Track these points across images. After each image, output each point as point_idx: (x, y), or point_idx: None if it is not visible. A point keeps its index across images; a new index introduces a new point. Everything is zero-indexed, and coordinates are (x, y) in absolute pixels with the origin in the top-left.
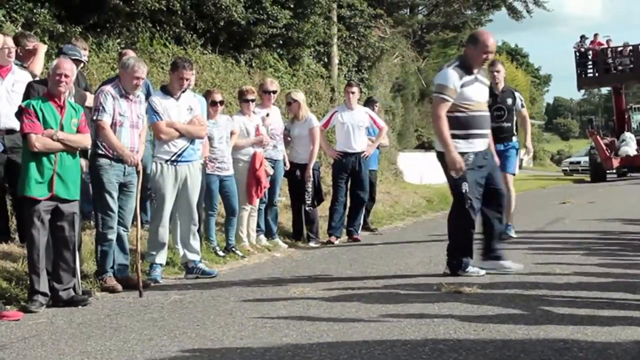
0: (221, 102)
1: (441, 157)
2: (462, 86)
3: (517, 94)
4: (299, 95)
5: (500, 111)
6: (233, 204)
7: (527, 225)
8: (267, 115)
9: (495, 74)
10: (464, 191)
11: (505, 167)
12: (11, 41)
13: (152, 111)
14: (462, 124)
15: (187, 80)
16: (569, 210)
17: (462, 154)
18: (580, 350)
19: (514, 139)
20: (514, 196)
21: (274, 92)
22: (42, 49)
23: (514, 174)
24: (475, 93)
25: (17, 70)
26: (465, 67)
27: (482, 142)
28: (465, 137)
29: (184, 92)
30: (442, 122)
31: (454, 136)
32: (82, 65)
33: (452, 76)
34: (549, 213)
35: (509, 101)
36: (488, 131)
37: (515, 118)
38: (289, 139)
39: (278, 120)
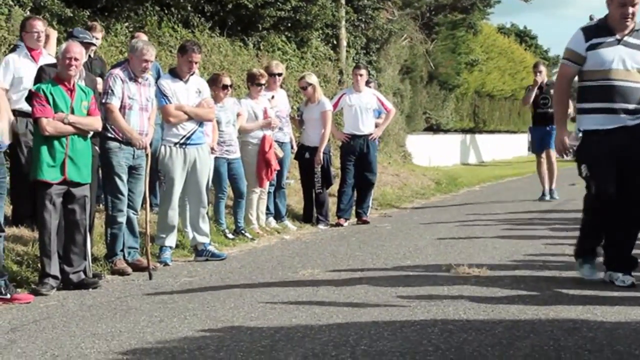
0: (230, 86)
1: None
2: (589, 49)
3: None
4: (313, 79)
5: (545, 100)
6: (241, 187)
7: (537, 205)
8: (273, 97)
9: (539, 74)
10: (583, 175)
11: (549, 144)
12: (41, 25)
13: (160, 94)
14: (587, 96)
15: (196, 63)
16: (578, 191)
17: (592, 132)
18: (589, 330)
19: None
20: (556, 168)
21: (280, 74)
22: (54, 34)
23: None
24: (611, 57)
25: (46, 54)
26: (603, 27)
27: (611, 119)
28: (588, 111)
29: (192, 75)
30: (558, 93)
31: (580, 110)
32: (93, 48)
33: (576, 37)
34: (560, 193)
35: (552, 92)
36: (628, 106)
37: None
38: (297, 117)
39: (284, 103)
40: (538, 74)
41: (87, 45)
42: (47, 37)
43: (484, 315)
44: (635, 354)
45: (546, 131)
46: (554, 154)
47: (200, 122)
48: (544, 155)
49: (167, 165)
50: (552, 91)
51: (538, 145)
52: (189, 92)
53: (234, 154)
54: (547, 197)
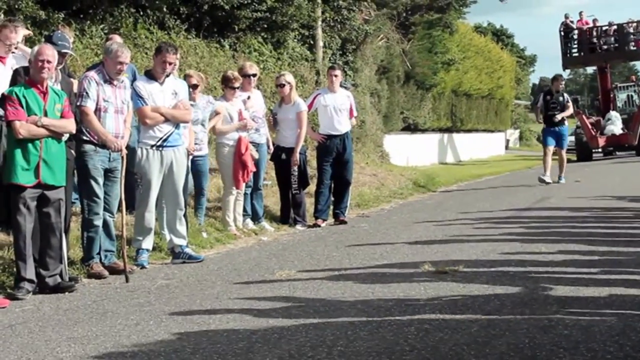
0: (195, 86)
1: None
2: None
3: (565, 94)
4: (291, 78)
5: (555, 104)
6: (202, 184)
7: (514, 204)
8: (248, 98)
9: (560, 85)
10: None
11: (561, 144)
12: (14, 37)
13: (136, 96)
14: None
15: (170, 64)
16: (555, 189)
17: None
18: (565, 327)
19: (565, 123)
20: (565, 160)
21: (254, 75)
22: (21, 32)
23: (564, 148)
24: None
25: (15, 55)
26: None
27: None
28: None
29: (167, 76)
30: None
31: None
32: (70, 57)
33: None
34: (536, 192)
35: (561, 99)
36: None
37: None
38: (271, 119)
39: (260, 104)
40: (556, 87)
41: (63, 54)
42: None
43: (460, 314)
44: (610, 351)
45: (558, 132)
46: (564, 152)
47: (177, 124)
48: (554, 150)
49: (144, 168)
50: (560, 98)
51: (549, 141)
52: (165, 93)
53: (199, 151)
54: (548, 180)
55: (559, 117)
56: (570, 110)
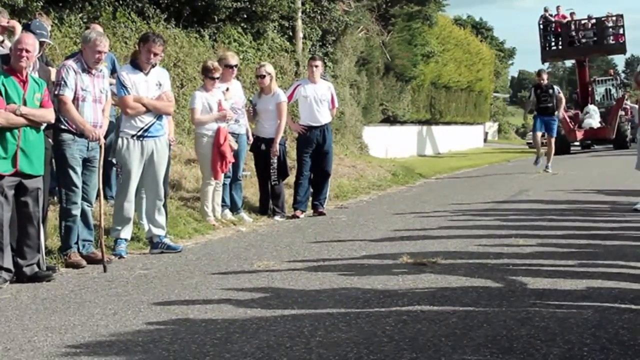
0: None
1: None
2: None
3: (555, 86)
4: (271, 69)
5: (545, 96)
6: None
7: (492, 196)
8: (227, 89)
9: (542, 81)
10: None
11: (550, 132)
12: None
13: (120, 85)
14: None
15: (155, 55)
16: (533, 182)
17: None
18: (542, 319)
19: (555, 113)
20: (553, 149)
21: (235, 66)
22: (19, 27)
23: (555, 137)
24: None
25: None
26: None
27: None
28: None
29: (153, 67)
30: None
31: None
32: (49, 45)
33: None
34: (514, 185)
35: (550, 91)
36: None
37: (555, 100)
38: (250, 110)
39: (239, 94)
40: (542, 81)
41: (41, 42)
42: (12, 29)
43: (438, 305)
44: (586, 343)
45: (548, 121)
46: (553, 140)
47: (159, 115)
48: (544, 137)
49: (124, 157)
50: (550, 90)
51: (540, 127)
52: (149, 84)
53: None
54: (539, 166)
55: (559, 113)
56: (564, 103)
